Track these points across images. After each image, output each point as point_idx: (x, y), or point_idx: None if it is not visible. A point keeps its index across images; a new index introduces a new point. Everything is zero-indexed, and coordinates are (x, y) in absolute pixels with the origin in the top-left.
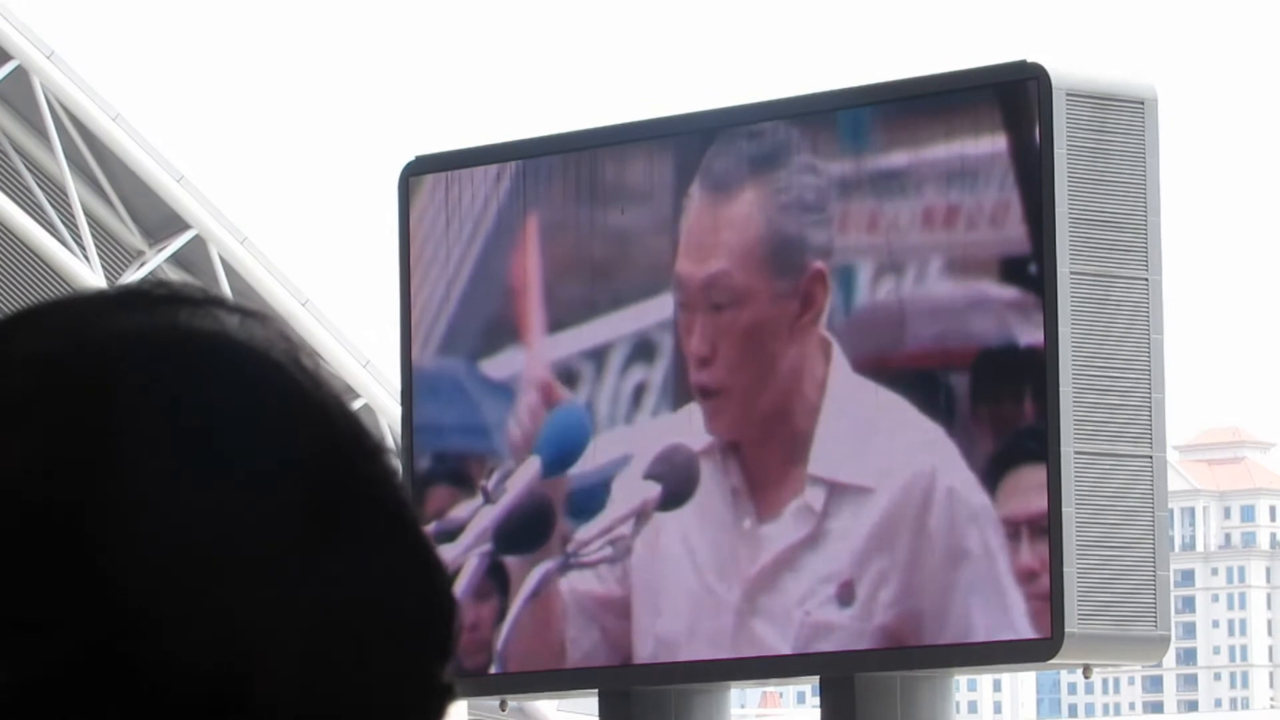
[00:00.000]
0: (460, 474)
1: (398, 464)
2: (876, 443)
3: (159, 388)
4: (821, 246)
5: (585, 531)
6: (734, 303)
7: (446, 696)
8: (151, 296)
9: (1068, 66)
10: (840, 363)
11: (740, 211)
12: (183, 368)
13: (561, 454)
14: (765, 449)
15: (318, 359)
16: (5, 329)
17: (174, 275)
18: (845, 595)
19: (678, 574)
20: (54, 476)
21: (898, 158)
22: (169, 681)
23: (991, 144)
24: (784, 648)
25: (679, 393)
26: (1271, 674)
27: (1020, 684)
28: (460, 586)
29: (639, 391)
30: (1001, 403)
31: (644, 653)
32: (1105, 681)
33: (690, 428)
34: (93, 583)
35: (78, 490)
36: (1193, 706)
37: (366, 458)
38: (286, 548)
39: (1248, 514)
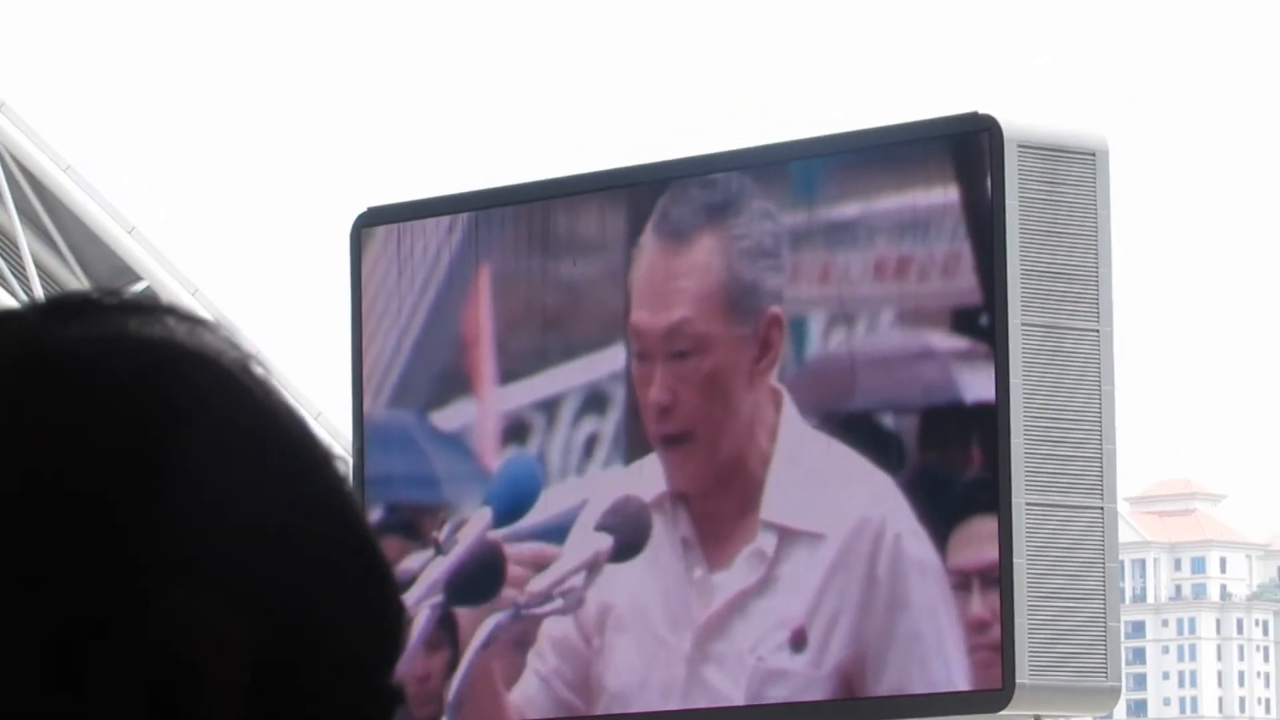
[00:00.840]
0: (412, 526)
1: (348, 472)
2: (828, 492)
3: (110, 398)
4: (776, 292)
5: (536, 584)
6: (696, 350)
7: (395, 701)
8: (101, 305)
9: (1019, 118)
10: (790, 412)
11: (697, 257)
12: (133, 375)
13: (513, 505)
14: (719, 498)
15: (267, 367)
16: None
17: None
18: (798, 641)
19: (629, 625)
20: (7, 487)
21: (849, 209)
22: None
23: (943, 195)
24: (737, 695)
25: (631, 444)
26: None
27: None
28: (411, 639)
29: (590, 442)
30: (952, 454)
31: (596, 705)
32: None
33: (643, 481)
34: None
35: (24, 503)
36: None
37: (317, 466)
38: (236, 555)
39: (1198, 565)
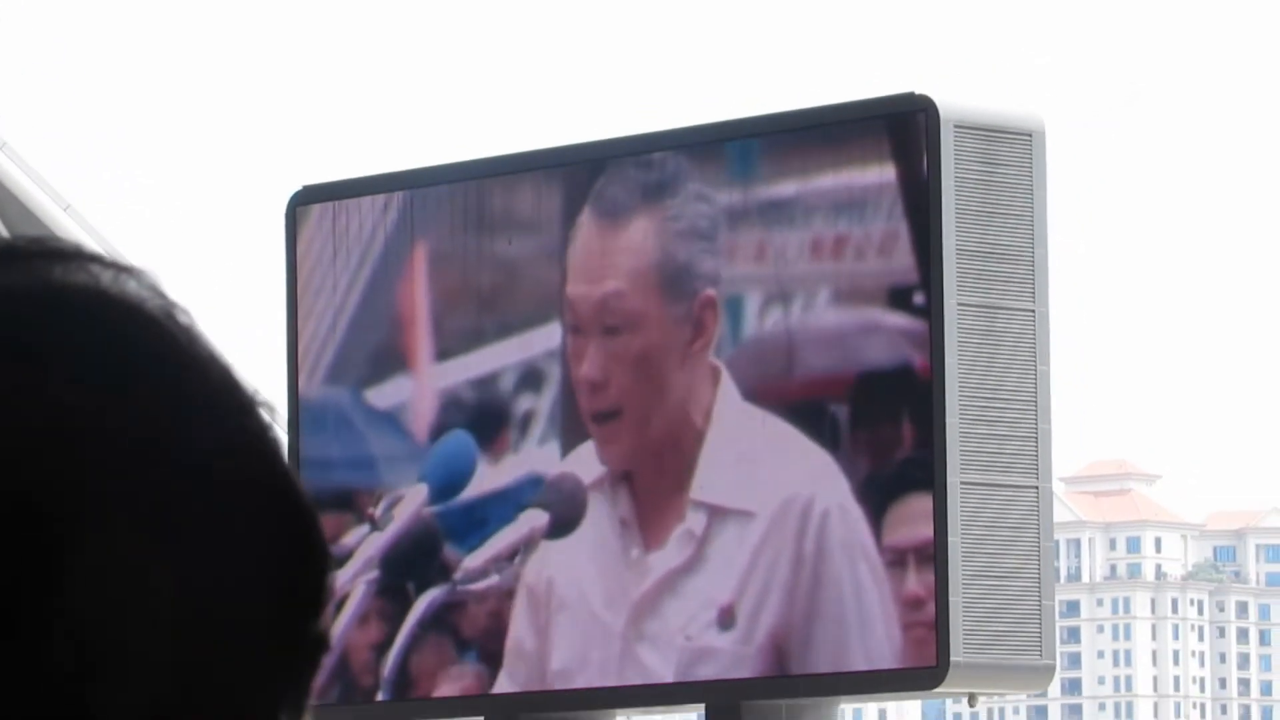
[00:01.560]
0: (349, 503)
1: (274, 417)
2: (762, 470)
3: (32, 345)
4: (710, 274)
5: (472, 560)
6: (628, 326)
7: (320, 646)
8: (24, 252)
9: (956, 98)
10: (729, 389)
11: (633, 238)
12: (56, 324)
13: (448, 481)
14: (655, 478)
15: (191, 315)
16: None
17: None
18: (725, 619)
19: (566, 603)
20: None
21: (786, 188)
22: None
23: (880, 174)
24: (667, 674)
25: (568, 422)
26: (1156, 704)
27: (906, 714)
28: (347, 614)
29: (526, 419)
30: (887, 431)
31: (530, 681)
32: (990, 711)
33: (580, 463)
34: None
35: None
36: None
37: (242, 411)
38: (158, 505)
39: (1133, 545)
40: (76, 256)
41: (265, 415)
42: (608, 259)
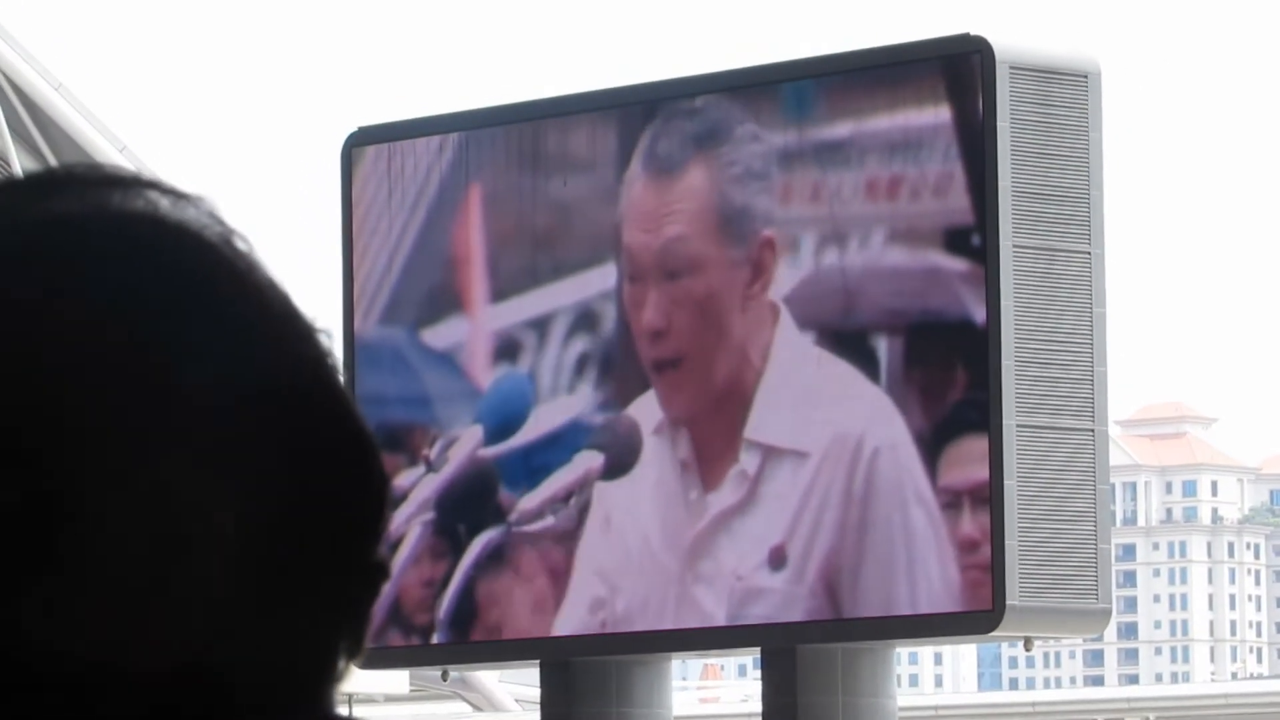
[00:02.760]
0: (403, 444)
1: (332, 344)
2: (817, 410)
3: (91, 271)
4: (767, 215)
5: (528, 501)
6: (689, 270)
7: (380, 573)
8: (84, 179)
9: (1011, 40)
10: (788, 327)
11: (690, 183)
12: (115, 250)
13: (503, 423)
14: (714, 420)
15: (250, 242)
16: None
17: None
18: (777, 559)
19: (623, 545)
20: None
21: (841, 129)
22: (103, 558)
23: (935, 116)
24: (719, 614)
25: (623, 366)
26: (1212, 649)
27: (961, 657)
28: (402, 555)
29: (581, 361)
30: (943, 373)
31: (586, 624)
32: (1046, 655)
33: (639, 406)
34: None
35: (5, 375)
36: (1133, 680)
37: (300, 339)
38: (215, 432)
39: (1189, 489)
40: (135, 183)
41: (323, 342)
42: (667, 206)
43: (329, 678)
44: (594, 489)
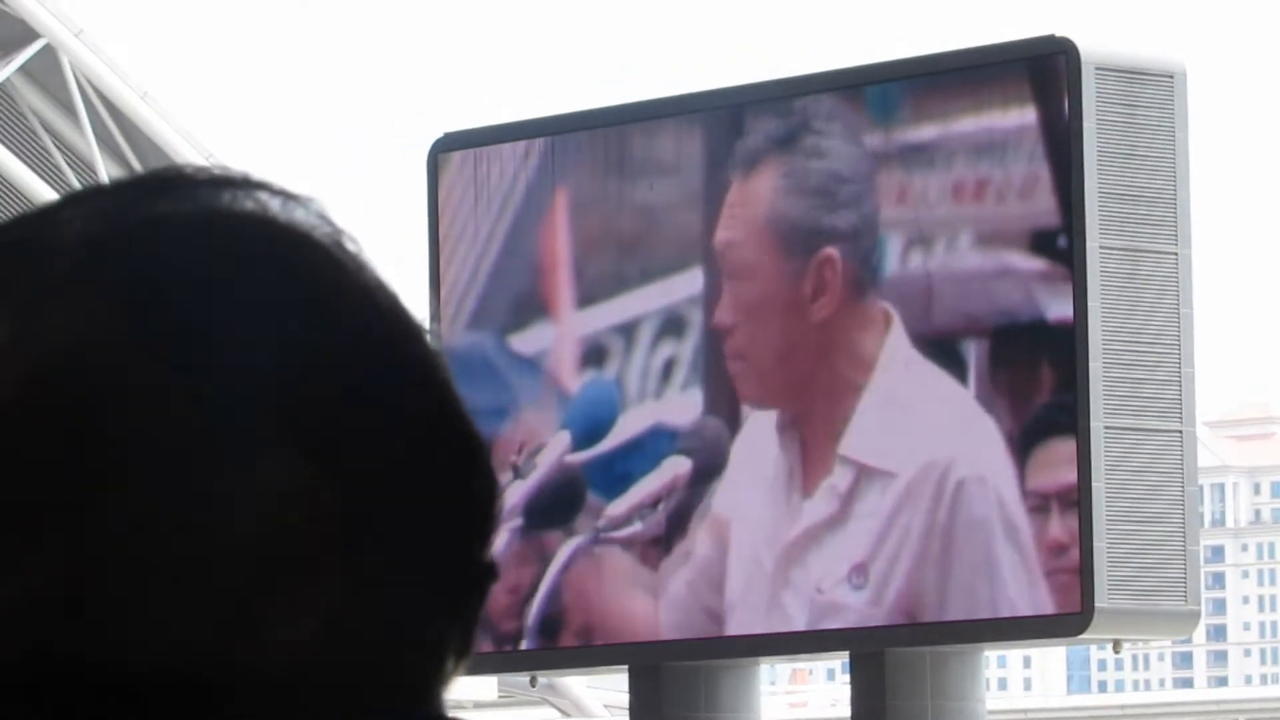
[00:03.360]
0: (492, 451)
1: (439, 344)
2: (910, 425)
3: (199, 271)
4: (830, 231)
5: (615, 507)
6: (745, 274)
7: (489, 575)
8: (193, 180)
9: (1096, 41)
10: (898, 336)
11: (758, 189)
12: (224, 250)
13: (591, 428)
14: (819, 430)
15: (359, 243)
16: (48, 213)
17: None
18: (858, 578)
19: (731, 541)
20: (87, 361)
21: (927, 131)
22: (211, 555)
23: (1020, 117)
24: (800, 622)
25: (710, 371)
26: None
27: (1050, 660)
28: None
29: (668, 366)
30: (1031, 376)
31: (675, 628)
32: (1135, 658)
33: (736, 413)
34: (97, 475)
35: (109, 375)
36: (1223, 682)
37: (410, 338)
38: (326, 427)
39: (1278, 490)
40: (245, 184)
41: (432, 342)
42: (738, 208)
43: (438, 679)
44: (687, 493)
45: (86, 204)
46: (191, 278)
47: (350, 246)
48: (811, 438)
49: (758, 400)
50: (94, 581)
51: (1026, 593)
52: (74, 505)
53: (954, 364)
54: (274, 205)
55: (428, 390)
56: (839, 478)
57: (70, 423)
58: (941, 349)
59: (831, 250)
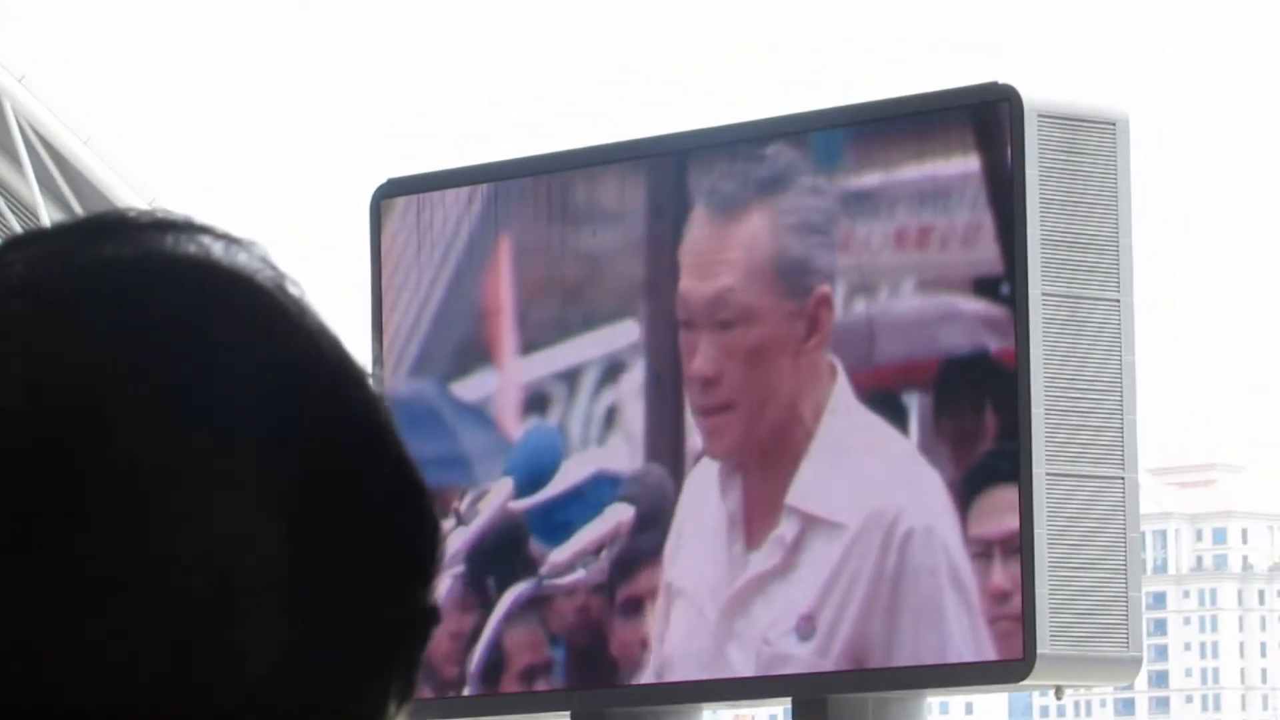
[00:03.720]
0: (436, 497)
1: (381, 389)
2: (859, 473)
3: (146, 315)
4: (826, 271)
5: (558, 554)
6: (741, 320)
7: (432, 618)
8: (136, 223)
9: (1039, 88)
10: (843, 387)
11: (747, 232)
12: (165, 294)
13: (534, 475)
14: (765, 477)
15: (302, 287)
16: None
17: None
18: (805, 629)
19: (674, 594)
20: (40, 404)
21: (870, 178)
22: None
23: (964, 165)
24: (748, 673)
25: (653, 418)
26: (1243, 696)
27: (993, 707)
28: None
29: (611, 413)
30: (972, 423)
31: (618, 675)
32: (1077, 704)
33: (694, 458)
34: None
35: (60, 418)
36: None
37: (353, 383)
38: (271, 469)
39: (1219, 536)
40: (187, 227)
41: (375, 386)
42: (720, 254)
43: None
44: (629, 541)
45: (30, 248)
46: (141, 321)
47: (293, 290)
48: (757, 487)
49: (730, 453)
50: (39, 624)
51: (970, 640)
52: (21, 546)
53: (896, 414)
54: (217, 249)
55: (372, 434)
56: (786, 528)
57: (23, 464)
58: (884, 398)
59: (826, 288)
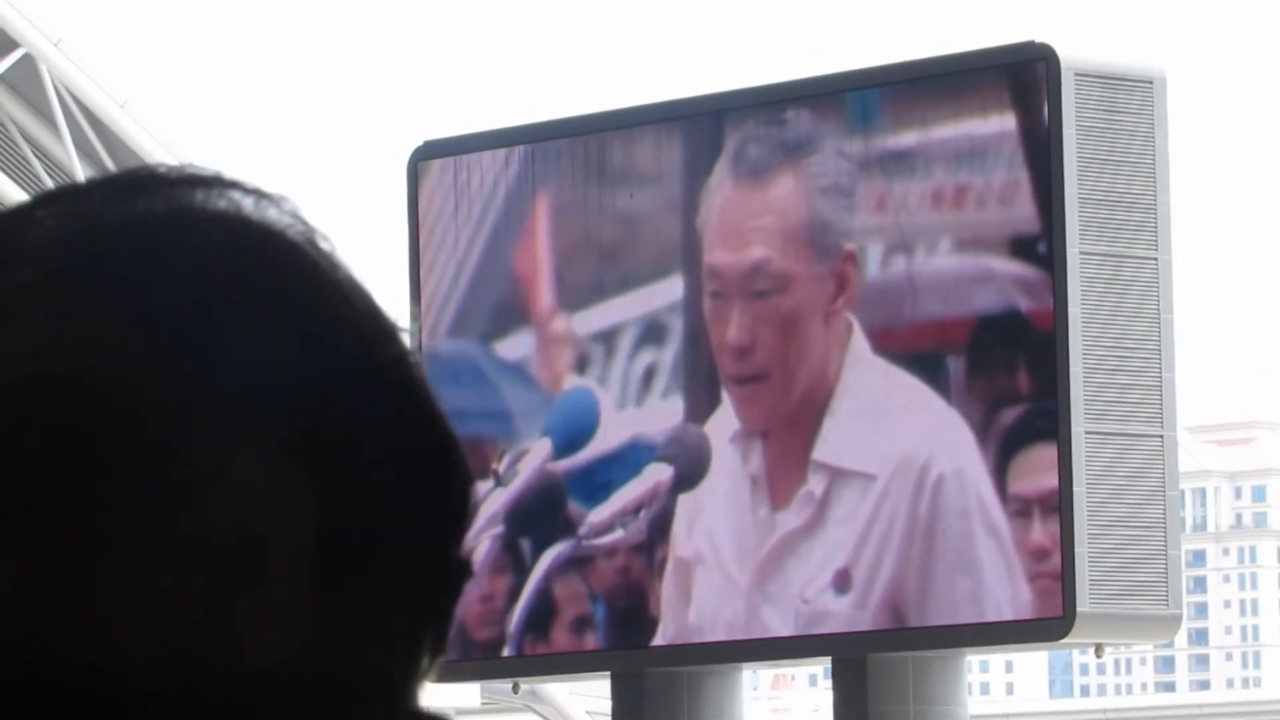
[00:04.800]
0: (473, 458)
1: (414, 343)
2: (885, 428)
3: (176, 271)
4: (848, 229)
5: (597, 514)
6: (777, 289)
7: (464, 572)
8: (166, 179)
9: (1076, 47)
10: (859, 344)
11: (777, 198)
12: (196, 249)
13: (572, 436)
14: (787, 438)
15: (332, 242)
16: (23, 212)
17: None
18: (842, 583)
19: (694, 559)
20: (65, 361)
21: (906, 138)
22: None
23: (1000, 124)
24: (786, 634)
25: (692, 379)
26: None
27: (1032, 665)
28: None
29: (649, 374)
30: (1010, 382)
31: (657, 635)
32: (1117, 662)
33: (713, 421)
34: (74, 476)
35: (88, 375)
36: (1204, 686)
37: (384, 337)
38: (301, 427)
39: (1259, 494)
40: (218, 183)
41: (406, 341)
42: (751, 220)
43: (413, 676)
44: (668, 502)
45: (60, 204)
46: (168, 278)
47: (324, 245)
48: (780, 447)
49: (760, 420)
50: (69, 584)
51: (1007, 585)
52: (50, 506)
53: (930, 371)
54: (247, 204)
55: (403, 390)
56: (815, 484)
57: (50, 421)
58: (919, 357)
59: (852, 245)
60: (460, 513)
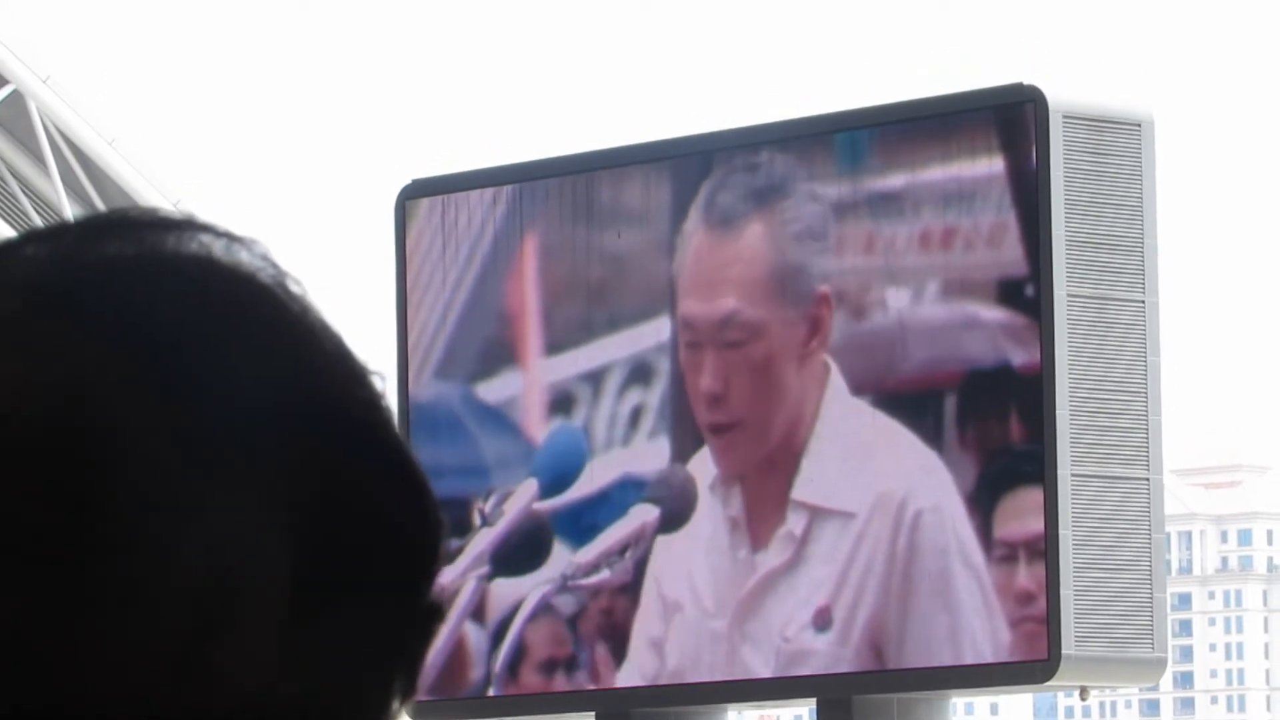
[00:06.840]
0: (460, 508)
1: (383, 386)
2: (863, 468)
3: (145, 314)
4: (824, 272)
5: (583, 555)
6: (749, 339)
7: (435, 616)
8: (138, 222)
9: (1064, 89)
10: (838, 385)
11: (747, 246)
12: (166, 292)
13: (559, 476)
14: (765, 480)
15: (304, 285)
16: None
17: None
18: (822, 620)
19: (676, 600)
20: (34, 401)
21: (894, 180)
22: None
23: (988, 166)
24: (766, 673)
25: (677, 420)
26: (1268, 697)
27: (1018, 707)
28: (458, 609)
29: (636, 414)
30: (997, 425)
31: (642, 676)
32: (1102, 705)
33: (694, 464)
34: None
35: (56, 416)
36: None
37: (355, 380)
38: (275, 469)
39: (1245, 538)
40: (189, 226)
41: (377, 384)
42: (722, 270)
43: (383, 717)
44: (651, 543)
45: (39, 244)
46: (140, 321)
47: (294, 288)
48: (758, 489)
49: (738, 467)
50: (43, 623)
51: (986, 622)
52: (22, 549)
53: (915, 415)
54: (218, 247)
55: (374, 433)
56: (794, 523)
57: (20, 465)
58: (903, 400)
59: (826, 288)
60: (431, 555)
